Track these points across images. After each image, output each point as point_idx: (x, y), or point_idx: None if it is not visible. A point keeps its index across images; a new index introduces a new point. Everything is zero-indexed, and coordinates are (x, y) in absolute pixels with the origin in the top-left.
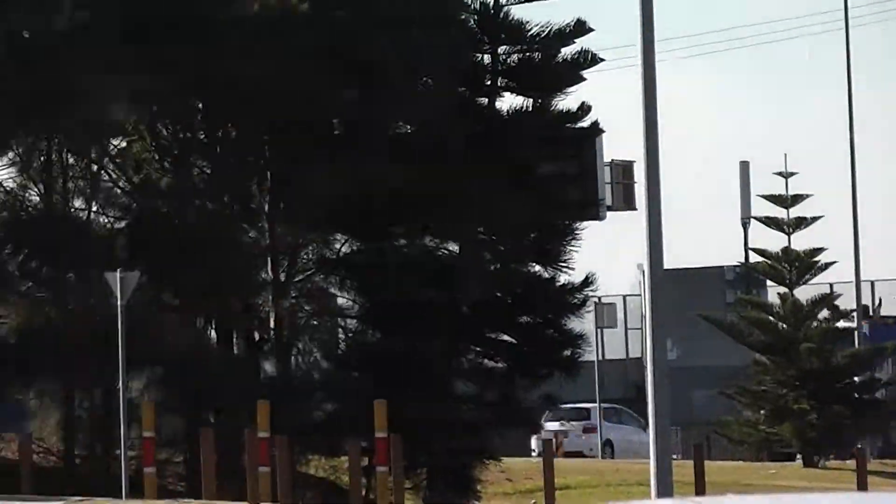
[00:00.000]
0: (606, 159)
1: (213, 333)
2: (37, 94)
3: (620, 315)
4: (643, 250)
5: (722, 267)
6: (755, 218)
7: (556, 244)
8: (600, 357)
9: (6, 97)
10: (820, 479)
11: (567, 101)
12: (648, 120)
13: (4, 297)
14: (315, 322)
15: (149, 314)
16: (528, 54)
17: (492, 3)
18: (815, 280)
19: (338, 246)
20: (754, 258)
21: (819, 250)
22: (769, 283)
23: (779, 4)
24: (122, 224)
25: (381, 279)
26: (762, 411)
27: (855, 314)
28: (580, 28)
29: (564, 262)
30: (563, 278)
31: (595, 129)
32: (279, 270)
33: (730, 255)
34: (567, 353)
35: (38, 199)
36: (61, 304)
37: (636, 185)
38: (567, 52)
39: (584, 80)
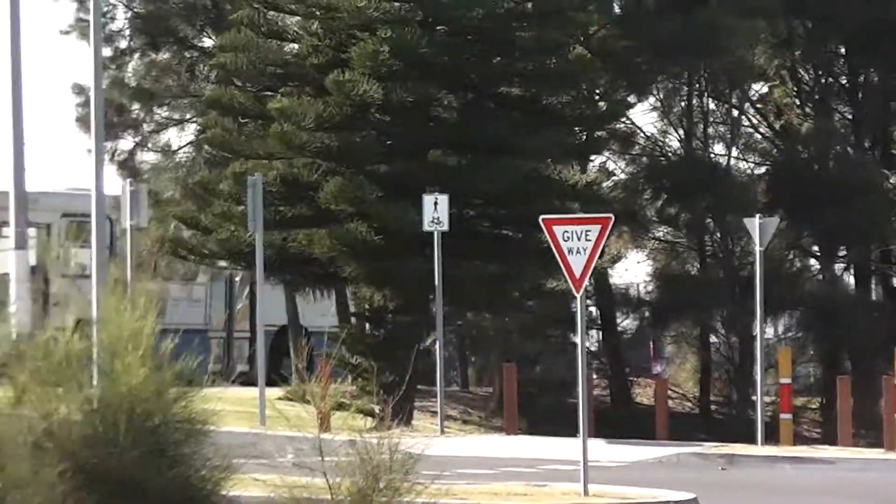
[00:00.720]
0: None
1: (851, 279)
2: (678, 38)
3: None
4: None
5: None
6: None
7: None
8: None
9: (647, 42)
10: None
11: None
12: None
13: (643, 241)
14: None
15: (787, 260)
16: None
17: None
18: None
19: None
20: None
21: None
22: None
23: None
24: (762, 170)
25: None
26: None
27: None
28: None
29: None
30: None
31: None
32: None
33: None
34: None
35: (677, 144)
36: (700, 248)
37: None
38: None
39: None
